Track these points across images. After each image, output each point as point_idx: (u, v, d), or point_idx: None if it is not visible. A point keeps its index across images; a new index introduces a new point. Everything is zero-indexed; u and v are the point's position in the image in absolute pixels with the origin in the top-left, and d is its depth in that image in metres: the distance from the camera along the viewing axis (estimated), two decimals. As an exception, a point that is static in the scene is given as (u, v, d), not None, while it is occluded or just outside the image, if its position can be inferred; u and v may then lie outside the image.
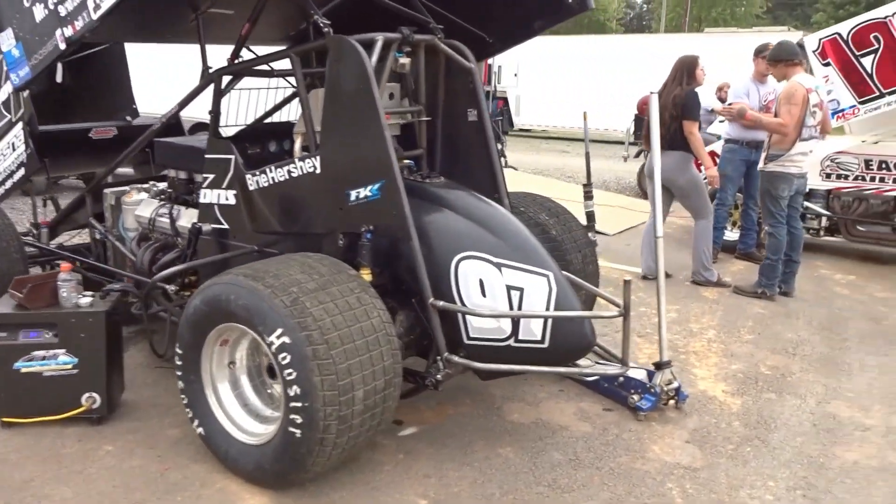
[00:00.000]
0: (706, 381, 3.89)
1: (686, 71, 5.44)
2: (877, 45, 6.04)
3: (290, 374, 2.46)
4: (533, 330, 2.85)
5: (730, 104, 5.94)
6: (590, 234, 6.55)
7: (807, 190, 6.55)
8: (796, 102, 4.97)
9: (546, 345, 2.85)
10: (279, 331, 2.47)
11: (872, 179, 6.48)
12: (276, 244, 3.32)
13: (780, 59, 5.30)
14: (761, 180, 5.36)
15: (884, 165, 6.43)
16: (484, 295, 2.88)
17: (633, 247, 6.54)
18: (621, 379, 3.52)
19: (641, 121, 10.31)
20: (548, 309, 2.84)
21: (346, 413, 2.49)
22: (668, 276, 5.78)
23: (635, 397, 3.44)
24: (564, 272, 3.21)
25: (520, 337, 2.87)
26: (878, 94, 6.10)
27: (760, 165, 5.36)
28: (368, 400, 2.56)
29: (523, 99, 21.37)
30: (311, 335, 2.45)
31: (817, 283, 5.88)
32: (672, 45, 19.62)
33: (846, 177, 6.57)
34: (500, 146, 10.80)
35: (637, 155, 11.28)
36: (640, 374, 3.54)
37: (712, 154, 6.73)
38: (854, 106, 6.20)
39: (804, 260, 6.45)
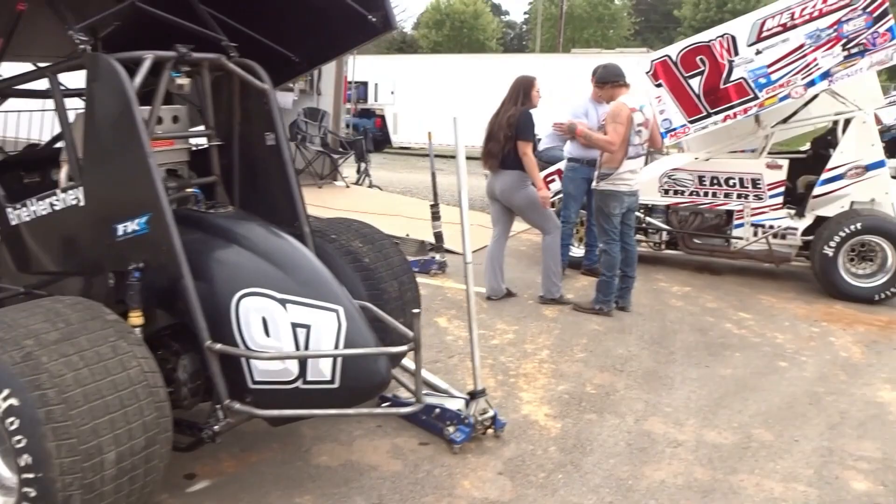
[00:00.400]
0: (531, 405, 3.84)
1: (522, 91, 5.47)
2: (703, 68, 6.31)
3: (19, 442, 2.14)
4: (322, 370, 2.67)
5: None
6: (438, 255, 6.54)
7: (638, 206, 6.80)
8: (621, 121, 5.10)
9: (337, 385, 2.67)
10: (5, 392, 2.15)
11: (706, 194, 6.79)
12: (46, 285, 2.98)
13: (606, 81, 5.44)
14: (594, 199, 5.46)
15: (715, 181, 6.75)
16: (268, 334, 2.67)
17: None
18: (438, 410, 3.40)
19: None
20: (337, 346, 2.67)
21: (92, 480, 2.19)
22: (512, 294, 5.80)
23: (450, 429, 3.32)
24: (367, 304, 3.07)
25: (308, 378, 2.67)
26: (705, 113, 6.37)
27: (593, 184, 5.45)
28: (124, 462, 2.28)
29: (401, 117, 21.37)
30: (46, 395, 2.15)
31: (654, 297, 6.05)
32: (542, 65, 20.28)
33: (682, 192, 6.85)
34: (363, 165, 10.68)
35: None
36: (458, 404, 3.43)
37: (558, 172, 6.87)
38: (685, 125, 6.44)
39: (645, 273, 6.66)
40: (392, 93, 21.56)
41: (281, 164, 3.19)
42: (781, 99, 6.14)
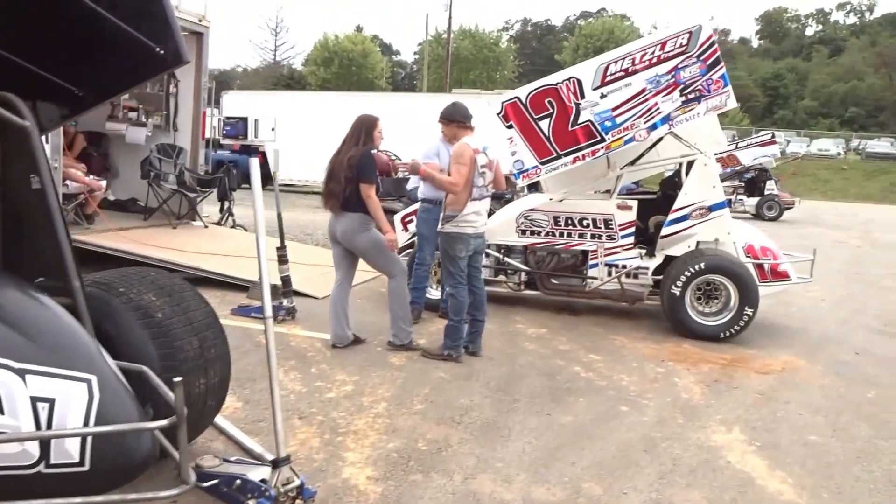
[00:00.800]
0: (354, 467, 3.54)
1: (364, 131, 5.28)
2: (551, 110, 6.38)
3: None
4: (69, 451, 2.29)
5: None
6: (286, 301, 6.20)
7: (497, 247, 6.75)
8: (465, 162, 5.00)
9: (87, 467, 2.30)
10: None
11: (562, 235, 6.82)
12: None
13: (452, 120, 5.36)
14: (440, 241, 5.31)
15: (570, 221, 6.80)
16: (2, 412, 2.27)
17: (337, 312, 6.21)
18: (239, 482, 3.05)
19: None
20: (87, 422, 2.30)
21: None
22: (361, 341, 5.54)
23: (251, 503, 2.98)
24: (143, 368, 2.70)
25: (52, 461, 2.29)
26: (555, 154, 6.43)
27: (439, 227, 5.31)
28: None
29: (283, 153, 20.80)
30: None
31: (508, 340, 5.94)
32: (426, 104, 20.43)
33: (539, 233, 6.86)
34: (227, 204, 10.20)
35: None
36: (264, 473, 3.10)
37: (416, 213, 6.73)
38: (536, 166, 6.48)
39: (504, 315, 6.59)
40: (272, 129, 21.02)
41: (46, 210, 2.80)
42: (626, 142, 6.28)
